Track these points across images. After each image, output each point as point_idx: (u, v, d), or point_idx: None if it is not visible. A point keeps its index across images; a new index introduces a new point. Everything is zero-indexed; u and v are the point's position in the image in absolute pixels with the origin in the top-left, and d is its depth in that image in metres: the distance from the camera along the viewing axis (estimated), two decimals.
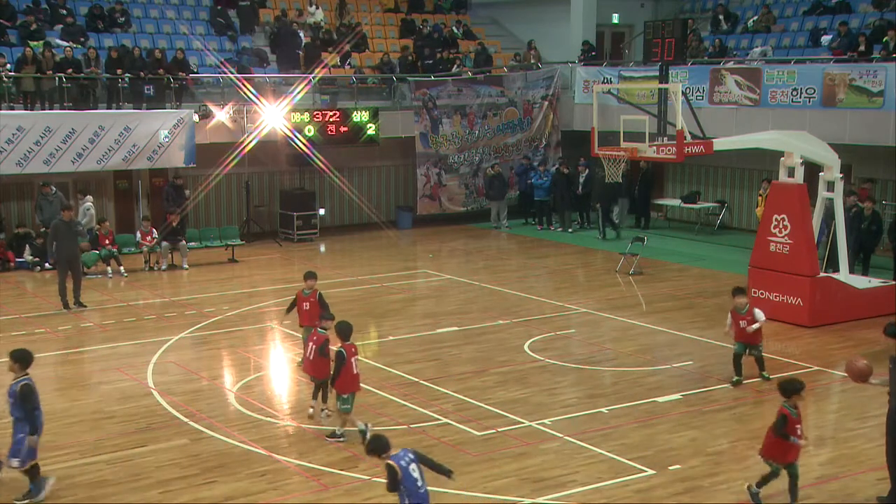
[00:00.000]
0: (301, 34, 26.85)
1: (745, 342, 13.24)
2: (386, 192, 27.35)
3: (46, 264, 21.02)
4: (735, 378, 13.19)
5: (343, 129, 24.68)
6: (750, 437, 11.38)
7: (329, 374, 11.37)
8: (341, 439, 11.17)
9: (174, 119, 22.74)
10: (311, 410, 11.95)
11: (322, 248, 24.37)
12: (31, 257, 21.24)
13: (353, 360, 11.11)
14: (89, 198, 22.24)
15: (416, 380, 13.26)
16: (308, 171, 25.12)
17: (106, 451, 10.97)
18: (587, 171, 25.18)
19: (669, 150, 16.52)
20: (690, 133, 16.64)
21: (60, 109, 22.20)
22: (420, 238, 25.57)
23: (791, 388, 9.16)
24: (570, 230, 25.83)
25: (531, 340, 15.43)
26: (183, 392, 12.88)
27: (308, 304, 13.54)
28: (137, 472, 10.39)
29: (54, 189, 21.60)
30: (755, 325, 13.05)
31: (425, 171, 26.77)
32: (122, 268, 20.68)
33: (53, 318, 17.00)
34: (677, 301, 18.30)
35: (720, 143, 16.83)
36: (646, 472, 10.31)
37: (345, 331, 11.15)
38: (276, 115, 23.44)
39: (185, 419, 11.90)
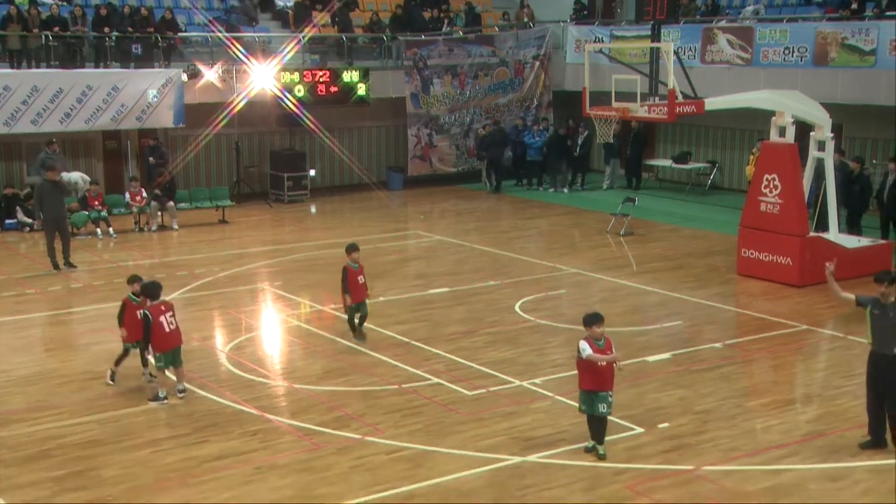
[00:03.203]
0: None
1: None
2: (377, 152, 27.23)
3: (35, 225, 20.92)
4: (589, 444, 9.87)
5: (333, 89, 24.51)
6: (737, 396, 11.49)
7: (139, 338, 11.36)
8: (164, 401, 11.16)
9: (163, 78, 22.53)
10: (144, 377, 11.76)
11: (313, 210, 24.30)
12: (25, 218, 21.13)
13: (161, 318, 11.06)
14: (77, 173, 21.95)
15: (408, 340, 13.30)
16: (298, 131, 24.98)
17: (97, 410, 11.00)
18: (586, 132, 25.09)
19: (661, 110, 16.48)
20: (682, 92, 16.58)
21: (47, 68, 21.97)
22: (411, 199, 25.51)
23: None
24: (564, 190, 25.80)
25: (522, 301, 15.47)
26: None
27: (362, 277, 13.35)
28: (128, 431, 10.43)
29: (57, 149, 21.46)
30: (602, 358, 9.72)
31: (416, 131, 26.64)
32: (111, 229, 20.60)
33: (43, 279, 16.96)
34: (667, 261, 18.35)
35: (712, 103, 16.78)
36: (634, 430, 10.40)
37: (151, 291, 11.23)
38: (266, 75, 23.25)
39: (175, 379, 11.90)
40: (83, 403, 11.23)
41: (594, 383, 9.57)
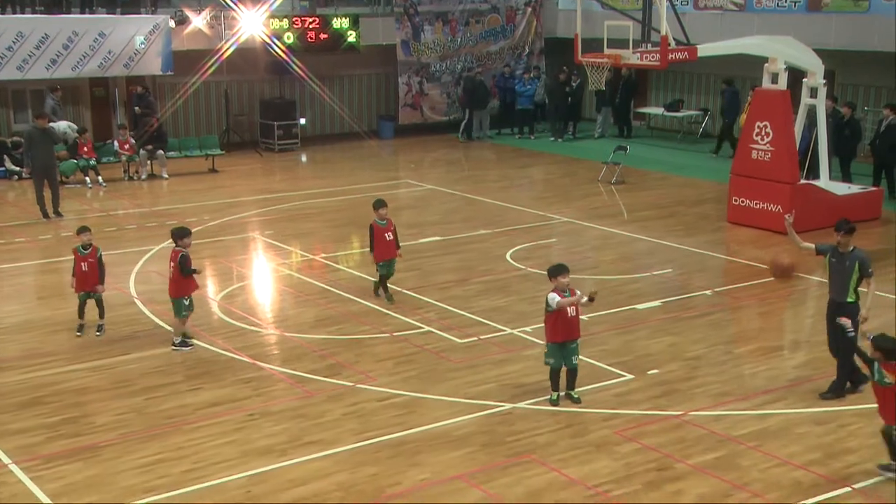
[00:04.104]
0: None
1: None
2: (367, 101, 27.00)
3: (24, 173, 20.80)
4: (553, 395, 9.85)
5: (323, 36, 24.22)
6: (726, 343, 11.60)
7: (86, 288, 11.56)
8: (184, 348, 11.25)
9: (150, 25, 22.23)
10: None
11: (303, 158, 24.18)
12: (13, 166, 20.98)
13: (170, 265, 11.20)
14: (63, 122, 21.73)
15: (399, 289, 13.32)
16: (288, 79, 24.73)
17: (90, 358, 11.05)
18: (578, 79, 24.90)
19: (653, 57, 16.35)
20: (674, 39, 16.44)
21: (32, 13, 21.64)
22: (402, 148, 25.39)
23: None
24: (560, 140, 25.66)
25: (513, 250, 15.50)
26: (166, 301, 12.81)
27: (390, 234, 12.71)
28: (122, 378, 10.49)
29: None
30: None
31: (407, 79, 26.41)
32: (100, 177, 20.48)
33: (33, 228, 16.90)
34: (659, 209, 18.36)
35: (704, 49, 16.66)
36: (625, 376, 10.50)
37: (178, 233, 11.35)
38: (255, 22, 22.95)
39: (169, 328, 11.95)
40: (76, 351, 11.27)
41: (565, 333, 9.64)
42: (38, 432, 9.22)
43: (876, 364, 8.17)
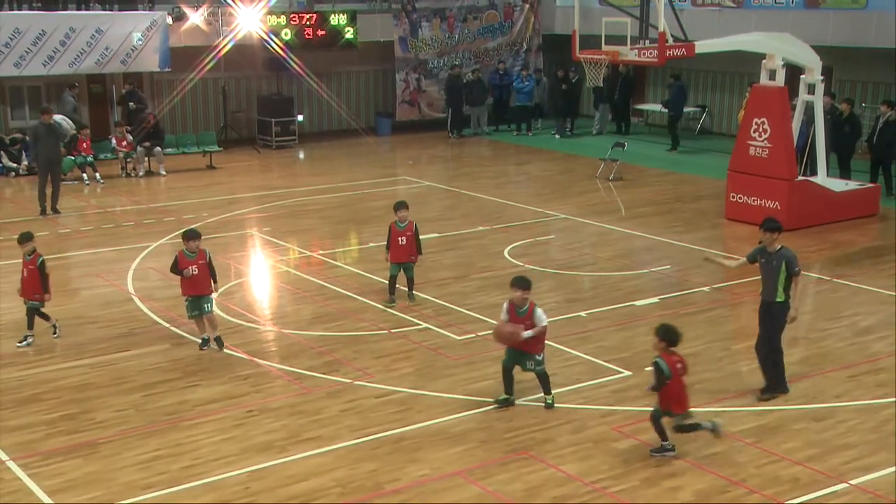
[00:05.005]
0: None
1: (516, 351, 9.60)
2: (365, 97, 26.99)
3: (21, 170, 20.79)
4: (503, 397, 9.70)
5: (320, 32, 24.21)
6: (723, 339, 11.62)
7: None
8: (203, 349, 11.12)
9: (147, 21, 22.21)
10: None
11: (301, 155, 24.17)
12: (10, 163, 20.96)
13: (189, 267, 10.84)
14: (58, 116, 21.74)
15: (398, 286, 13.31)
16: (285, 76, 24.71)
17: (89, 355, 11.05)
18: (576, 76, 24.90)
19: (651, 53, 16.35)
20: (672, 35, 16.45)
21: (29, 10, 21.60)
22: (399, 144, 25.38)
23: None
24: (559, 136, 25.64)
25: (511, 246, 15.51)
26: (164, 298, 12.90)
27: (404, 238, 12.41)
28: (121, 375, 10.49)
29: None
30: (531, 333, 9.29)
31: (404, 76, 26.40)
32: (97, 174, 20.46)
33: (31, 224, 16.82)
34: (656, 206, 18.38)
35: (702, 46, 16.67)
36: (623, 373, 10.52)
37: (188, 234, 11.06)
38: (252, 18, 22.92)
39: (167, 325, 11.97)
40: (75, 348, 11.27)
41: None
42: (36, 429, 9.22)
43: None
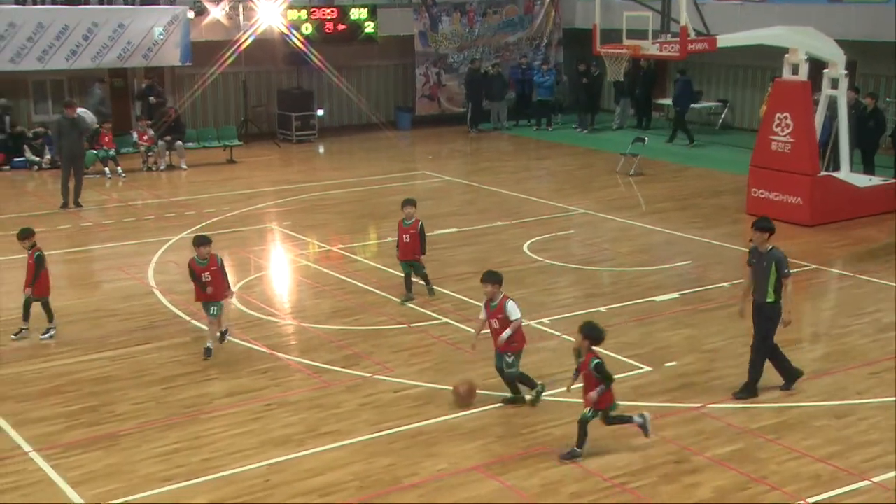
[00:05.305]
0: None
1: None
2: (384, 92, 26.99)
3: (44, 163, 20.96)
4: (510, 396, 9.65)
5: (341, 26, 24.24)
6: (745, 335, 11.47)
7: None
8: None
9: (168, 15, 22.32)
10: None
11: (321, 150, 24.21)
12: (33, 157, 21.13)
13: (202, 275, 10.61)
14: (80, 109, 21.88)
15: (416, 280, 13.31)
16: (306, 70, 24.75)
17: (110, 348, 11.12)
18: (597, 71, 24.79)
19: (673, 48, 16.24)
20: (694, 30, 16.33)
21: (52, 4, 21.76)
22: (419, 139, 25.37)
23: None
24: (583, 131, 25.53)
25: (530, 241, 15.47)
26: (184, 291, 12.92)
27: (408, 235, 12.31)
28: (141, 368, 10.55)
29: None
30: (508, 332, 9.30)
31: (424, 70, 26.38)
32: (119, 168, 20.58)
33: (53, 218, 17.02)
34: (677, 201, 18.28)
35: (724, 40, 16.53)
36: (642, 368, 10.47)
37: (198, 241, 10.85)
38: (273, 12, 22.97)
39: (187, 318, 12.02)
40: (96, 341, 11.34)
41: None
42: (58, 421, 9.29)
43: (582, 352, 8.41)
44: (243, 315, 12.22)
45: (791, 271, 9.57)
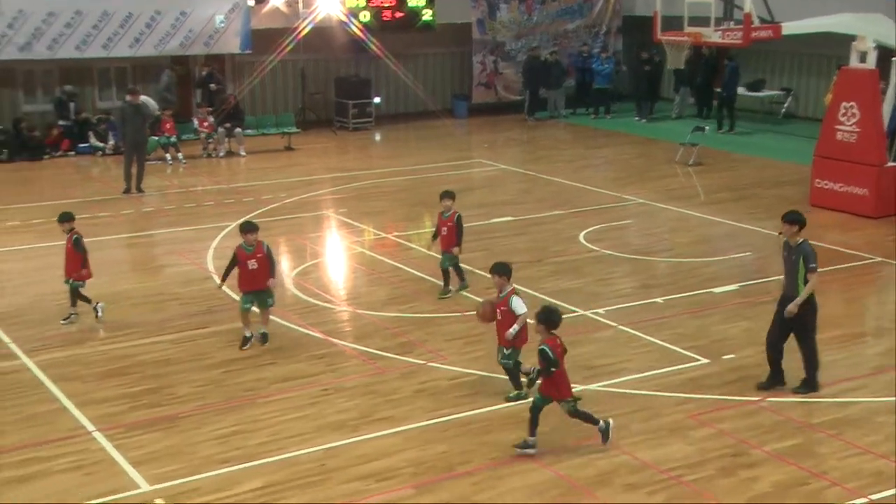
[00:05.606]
0: None
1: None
2: (441, 80, 26.96)
3: (107, 149, 21.38)
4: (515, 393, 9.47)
5: (398, 14, 24.27)
6: None
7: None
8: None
9: (229, 4, 22.59)
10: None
11: (377, 137, 24.31)
12: (97, 143, 21.58)
13: (248, 262, 10.61)
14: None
15: (470, 268, 13.29)
16: (363, 58, 24.84)
17: (170, 331, 11.33)
18: (658, 58, 24.46)
19: (735, 35, 15.97)
20: (758, 17, 16.01)
21: None
22: (475, 127, 25.33)
23: None
24: (643, 119, 25.25)
25: (586, 231, 15.36)
26: None
27: (446, 228, 12.24)
28: (200, 351, 10.73)
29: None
30: (515, 328, 9.22)
31: (481, 58, 26.29)
32: (180, 154, 20.92)
33: (116, 203, 17.36)
34: (737, 191, 17.98)
35: (789, 27, 16.23)
36: (699, 360, 10.34)
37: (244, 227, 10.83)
38: (331, 0, 23.08)
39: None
40: (157, 324, 11.56)
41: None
42: (120, 401, 9.50)
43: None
44: (299, 301, 12.35)
45: (818, 266, 9.30)
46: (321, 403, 9.44)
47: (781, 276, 12.84)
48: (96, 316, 11.52)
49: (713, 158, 20.58)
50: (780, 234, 9.58)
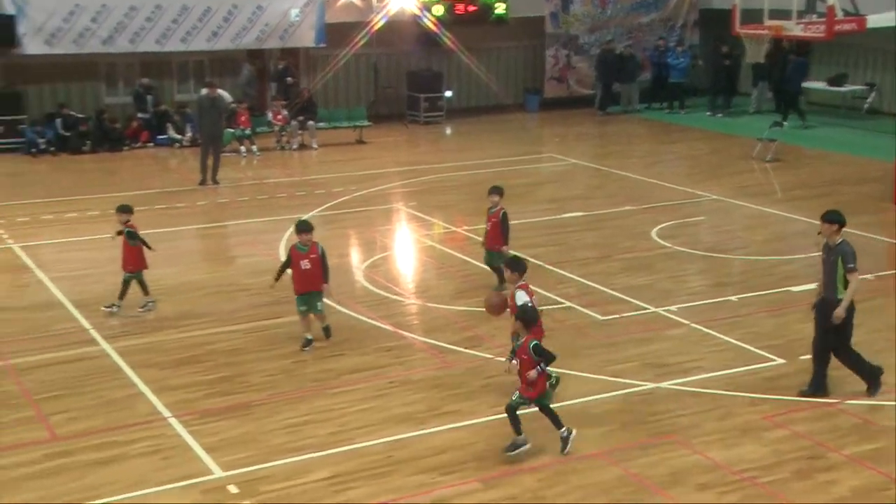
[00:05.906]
0: None
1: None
2: (513, 73, 26.82)
3: (184, 141, 21.81)
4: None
5: (471, 7, 24.22)
6: (886, 329, 10.96)
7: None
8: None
9: None
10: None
11: (448, 131, 24.32)
12: (175, 135, 22.05)
13: (301, 262, 10.52)
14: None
15: (540, 263, 13.22)
16: (436, 51, 24.87)
17: (242, 321, 11.50)
18: (736, 52, 23.93)
19: (818, 28, 15.54)
20: (842, 9, 15.56)
21: None
22: (547, 121, 25.16)
23: None
24: (719, 115, 24.78)
25: (658, 227, 15.12)
26: None
27: (490, 224, 12.04)
28: (272, 341, 10.87)
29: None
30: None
31: (554, 52, 26.10)
32: (254, 147, 21.23)
33: (192, 194, 17.71)
34: (816, 188, 17.51)
35: (875, 20, 15.73)
36: (775, 360, 10.10)
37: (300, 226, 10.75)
38: None
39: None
40: (229, 313, 11.75)
41: None
42: (195, 389, 9.68)
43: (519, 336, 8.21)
44: (369, 293, 12.43)
45: (856, 267, 8.97)
46: (389, 395, 9.48)
47: (866, 276, 12.56)
48: (141, 307, 11.62)
49: (791, 154, 20.06)
50: (819, 233, 9.28)
